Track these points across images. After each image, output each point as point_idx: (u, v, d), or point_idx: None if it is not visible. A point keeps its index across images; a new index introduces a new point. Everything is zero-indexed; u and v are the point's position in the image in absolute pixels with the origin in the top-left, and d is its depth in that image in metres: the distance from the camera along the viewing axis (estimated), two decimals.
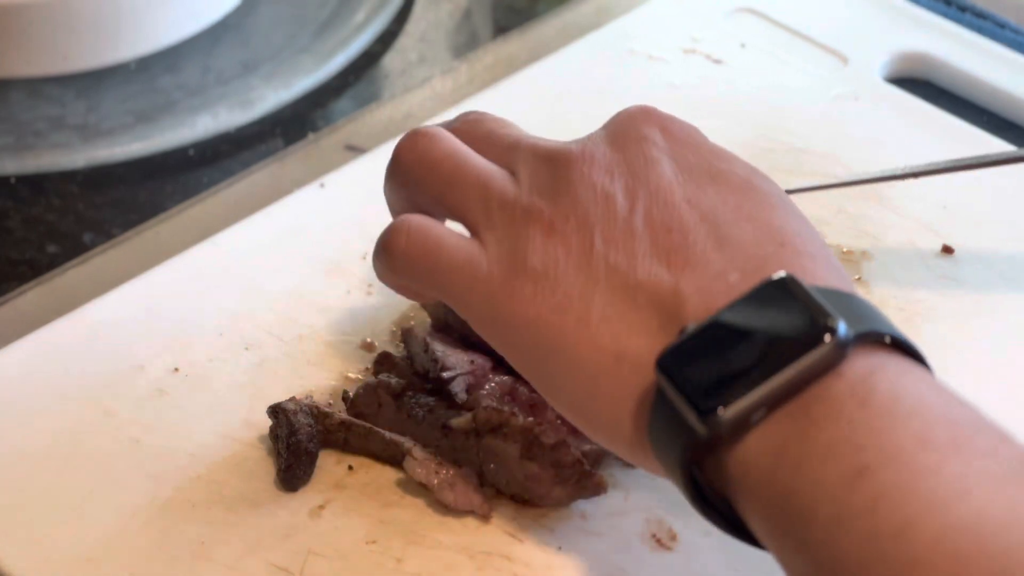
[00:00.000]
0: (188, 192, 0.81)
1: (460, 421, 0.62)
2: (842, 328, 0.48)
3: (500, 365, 0.65)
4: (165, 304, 0.70)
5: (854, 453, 0.46)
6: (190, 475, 0.63)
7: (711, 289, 0.52)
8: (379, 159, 0.78)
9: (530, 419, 0.61)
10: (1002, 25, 0.87)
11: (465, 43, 0.95)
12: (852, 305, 0.50)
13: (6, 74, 0.88)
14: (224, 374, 0.67)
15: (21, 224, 0.81)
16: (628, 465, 0.63)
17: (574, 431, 0.63)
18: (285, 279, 0.71)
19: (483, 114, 0.62)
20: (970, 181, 0.77)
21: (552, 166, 0.57)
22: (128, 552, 0.60)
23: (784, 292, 0.50)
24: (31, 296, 0.74)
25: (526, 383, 0.64)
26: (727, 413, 0.48)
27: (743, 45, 0.86)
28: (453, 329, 0.66)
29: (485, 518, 0.61)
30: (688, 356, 0.50)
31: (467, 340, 0.66)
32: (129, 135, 0.85)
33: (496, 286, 0.55)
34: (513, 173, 0.57)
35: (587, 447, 0.62)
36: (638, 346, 0.52)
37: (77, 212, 0.82)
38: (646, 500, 0.62)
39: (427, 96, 0.86)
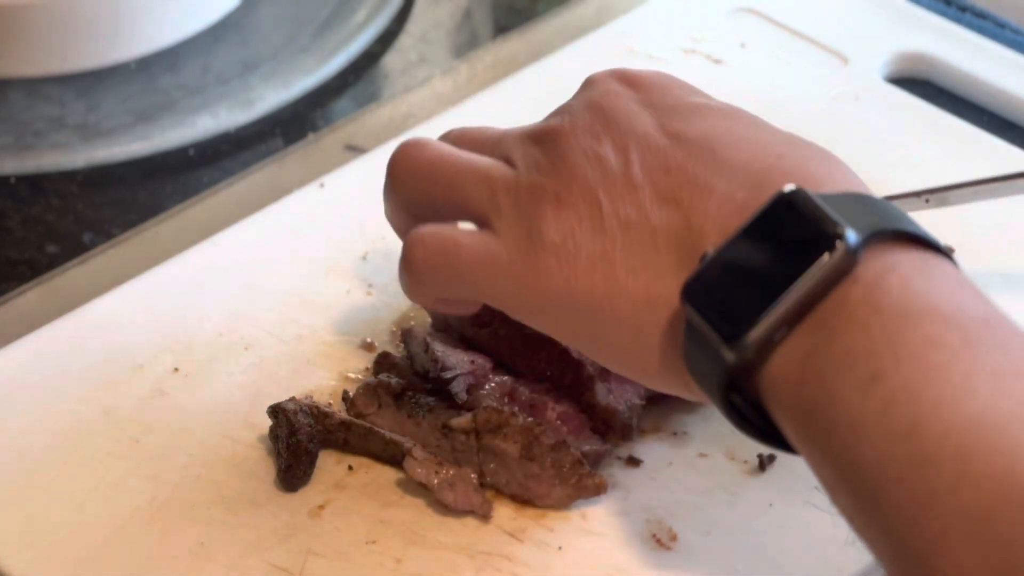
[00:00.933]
0: (188, 192, 0.81)
1: (460, 421, 0.62)
2: (850, 235, 0.49)
3: (500, 365, 0.65)
4: (165, 304, 0.70)
5: (868, 359, 0.47)
6: (190, 475, 0.63)
7: (721, 212, 0.53)
8: (379, 159, 0.77)
9: (530, 419, 0.61)
10: (1002, 25, 0.87)
11: (465, 43, 0.95)
12: (860, 206, 0.51)
13: (6, 74, 0.88)
14: (224, 374, 0.67)
15: (21, 224, 0.81)
16: (629, 464, 0.63)
17: (574, 431, 0.63)
18: (285, 279, 0.71)
19: (462, 127, 0.63)
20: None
21: (542, 144, 0.57)
22: (128, 552, 0.60)
23: (790, 206, 0.51)
24: (31, 296, 0.74)
25: (526, 383, 0.64)
26: (751, 337, 0.50)
27: (743, 45, 0.86)
28: (453, 329, 0.66)
29: (485, 518, 0.61)
30: (709, 284, 0.51)
31: (467, 340, 0.66)
32: (129, 135, 0.85)
33: (520, 269, 0.56)
34: (507, 161, 0.58)
35: (587, 447, 0.62)
36: (667, 286, 0.53)
37: (77, 212, 0.82)
38: (646, 500, 0.62)
39: (427, 96, 0.86)
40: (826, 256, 0.49)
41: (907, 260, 0.50)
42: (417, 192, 0.60)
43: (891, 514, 0.46)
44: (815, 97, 0.83)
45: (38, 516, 0.61)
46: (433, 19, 0.95)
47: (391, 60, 0.92)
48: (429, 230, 0.58)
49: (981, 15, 0.87)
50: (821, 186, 0.52)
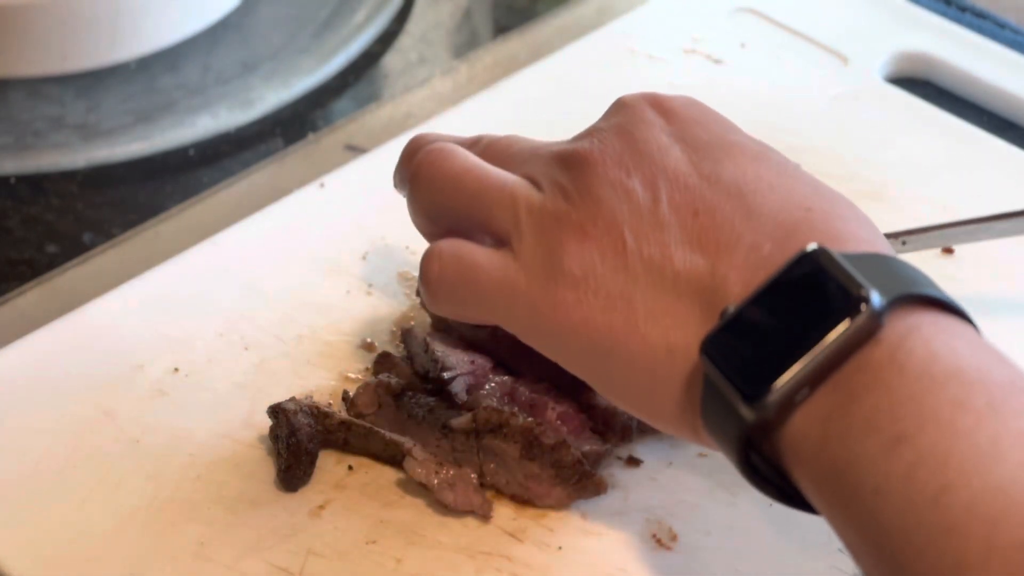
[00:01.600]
0: (188, 192, 0.81)
1: (460, 421, 0.62)
2: (875, 298, 0.48)
3: (500, 365, 0.65)
4: (165, 304, 0.70)
5: (892, 422, 0.47)
6: (190, 475, 0.63)
7: (746, 265, 0.52)
8: (379, 159, 0.78)
9: (530, 419, 0.61)
10: (1002, 25, 0.87)
11: (465, 43, 0.95)
12: (885, 268, 0.50)
13: (6, 74, 0.88)
14: (224, 374, 0.67)
15: (21, 224, 0.81)
16: (629, 464, 0.63)
17: (574, 431, 0.63)
18: (285, 279, 0.71)
19: (489, 135, 0.62)
20: (970, 181, 0.77)
21: (570, 170, 0.56)
22: (128, 552, 0.60)
23: (815, 265, 0.50)
24: (31, 296, 0.74)
25: (526, 383, 0.64)
26: (771, 397, 0.49)
27: (743, 45, 0.86)
28: (453, 329, 0.66)
29: (485, 518, 0.61)
30: (730, 340, 0.51)
31: (467, 340, 0.66)
32: (129, 135, 0.85)
33: (537, 298, 0.55)
34: (534, 182, 0.57)
35: (587, 447, 0.62)
36: (686, 337, 0.52)
37: (77, 212, 0.82)
38: (646, 500, 0.62)
39: (427, 96, 0.86)
40: (850, 318, 0.48)
41: (930, 323, 0.49)
42: (440, 201, 0.59)
43: None
44: (815, 97, 0.83)
45: (38, 516, 0.61)
46: (433, 19, 0.96)
47: (391, 60, 0.92)
48: (448, 246, 0.58)
49: (981, 15, 0.87)
50: (846, 244, 0.52)
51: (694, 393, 0.52)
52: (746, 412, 0.49)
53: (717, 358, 0.50)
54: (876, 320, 0.48)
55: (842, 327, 0.48)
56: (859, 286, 0.49)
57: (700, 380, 0.52)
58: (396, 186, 0.65)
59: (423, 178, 0.60)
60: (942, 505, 0.45)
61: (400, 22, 0.94)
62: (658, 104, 0.58)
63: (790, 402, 0.49)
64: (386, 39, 0.93)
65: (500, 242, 0.57)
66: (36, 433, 0.64)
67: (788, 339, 0.49)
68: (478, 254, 0.57)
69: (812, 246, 0.50)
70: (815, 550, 0.60)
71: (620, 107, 0.59)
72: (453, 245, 0.58)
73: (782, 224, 0.53)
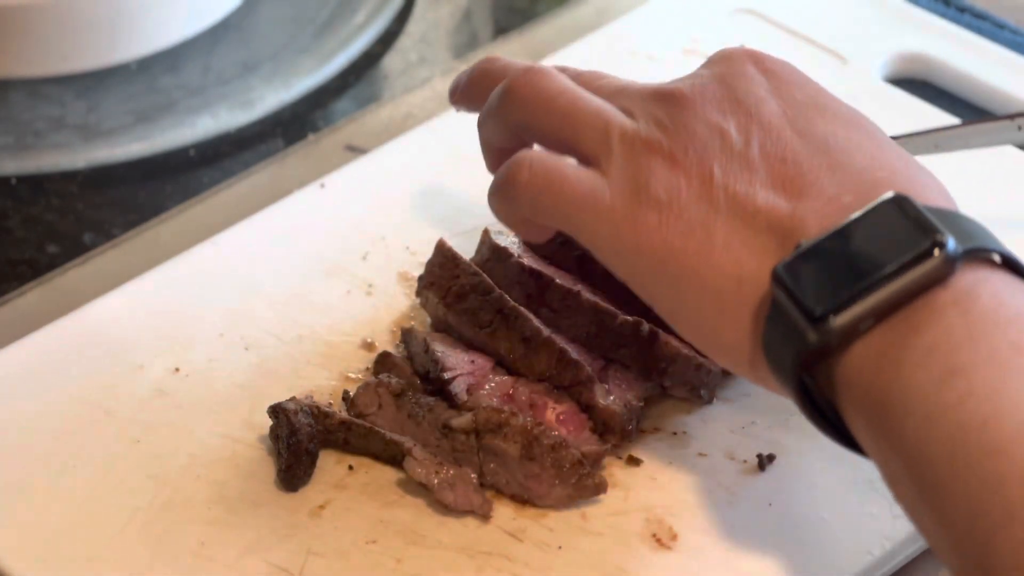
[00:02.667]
0: (188, 192, 0.81)
1: (460, 421, 0.62)
2: (951, 243, 0.51)
3: (500, 365, 0.65)
4: (165, 304, 0.70)
5: (949, 355, 0.49)
6: (190, 475, 0.63)
7: (826, 211, 0.54)
8: (379, 159, 0.78)
9: (530, 419, 0.62)
10: (1001, 26, 0.87)
11: (465, 43, 0.95)
12: (962, 224, 0.52)
13: (6, 74, 0.88)
14: (224, 374, 0.67)
15: (21, 224, 0.81)
16: (629, 464, 0.63)
17: (574, 431, 0.63)
18: (285, 279, 0.71)
19: (573, 68, 0.63)
20: (970, 181, 0.77)
21: (666, 104, 0.58)
22: (128, 552, 0.60)
23: (897, 210, 0.52)
24: (31, 296, 0.74)
25: (526, 383, 0.64)
26: (838, 321, 0.51)
27: (743, 45, 0.86)
28: (453, 329, 0.66)
29: (485, 518, 0.61)
30: (802, 269, 0.52)
31: (467, 340, 0.66)
32: (129, 135, 0.85)
33: (620, 216, 0.57)
34: (628, 112, 0.59)
35: (587, 447, 0.62)
36: (759, 267, 0.54)
37: (77, 212, 0.82)
38: (646, 500, 0.62)
39: (427, 96, 0.86)
40: (925, 260, 0.50)
41: (998, 277, 0.51)
42: (532, 118, 0.60)
43: (956, 502, 0.47)
44: None
45: (38, 516, 0.61)
46: (433, 20, 0.96)
47: (391, 61, 0.92)
48: (538, 155, 0.59)
49: (980, 16, 0.87)
50: (925, 201, 0.53)
51: (758, 322, 0.54)
52: (810, 334, 0.51)
53: (787, 282, 0.52)
54: (950, 265, 0.50)
55: (917, 267, 0.50)
56: (936, 231, 0.51)
57: (766, 309, 0.53)
58: (453, 100, 0.66)
59: (518, 94, 0.61)
60: (989, 430, 0.47)
61: (400, 23, 0.94)
62: (759, 61, 0.60)
63: (855, 330, 0.51)
64: (386, 40, 0.93)
65: (588, 163, 0.59)
66: (36, 433, 0.64)
67: (860, 272, 0.51)
68: (567, 167, 0.58)
69: (891, 193, 0.53)
70: (815, 549, 0.60)
71: (722, 58, 0.61)
72: (543, 155, 0.59)
73: (865, 181, 0.55)
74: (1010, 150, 0.78)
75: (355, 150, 0.81)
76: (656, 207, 0.56)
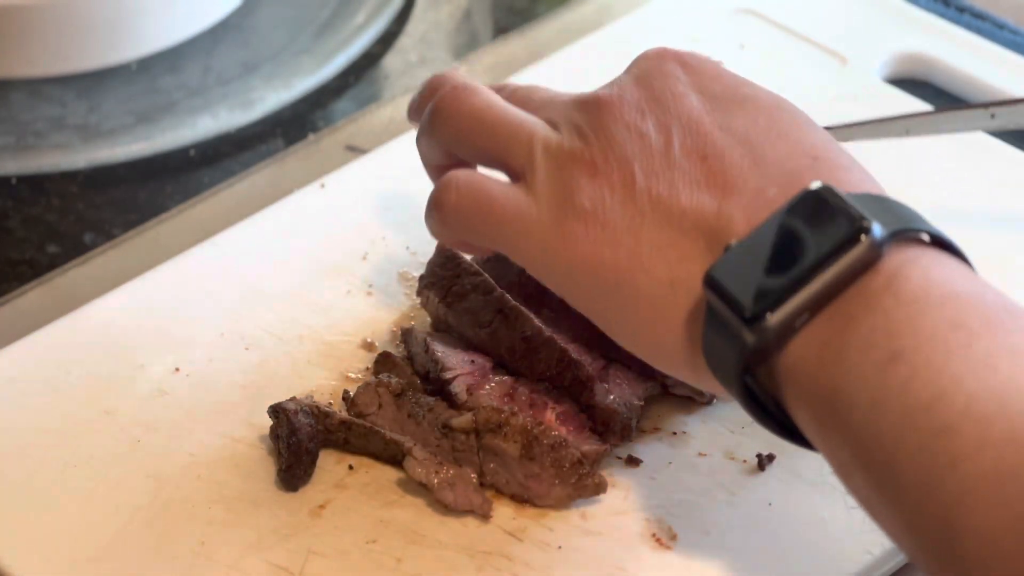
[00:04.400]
0: (189, 192, 0.81)
1: (460, 421, 0.62)
2: (876, 229, 0.51)
3: (500, 365, 0.65)
4: (165, 304, 0.70)
5: (889, 340, 0.49)
6: (190, 475, 0.63)
7: (752, 206, 0.54)
8: (379, 160, 0.78)
9: (530, 419, 0.62)
10: (1001, 26, 0.87)
11: (465, 44, 0.95)
12: (886, 207, 0.52)
13: (6, 74, 0.88)
14: (224, 374, 0.67)
15: (21, 224, 0.81)
16: (629, 464, 0.63)
17: (574, 431, 0.63)
18: (285, 279, 0.71)
19: (513, 83, 0.65)
20: (969, 181, 0.77)
21: (587, 111, 0.58)
22: (128, 552, 0.60)
23: (820, 200, 0.52)
24: (31, 296, 0.74)
25: (526, 383, 0.64)
26: (773, 319, 0.51)
27: (743, 45, 0.86)
28: (453, 329, 0.66)
29: (485, 518, 0.61)
30: (733, 270, 0.52)
31: (467, 340, 0.66)
32: (130, 135, 0.85)
33: (548, 230, 0.57)
34: (552, 124, 0.59)
35: (587, 447, 0.62)
36: (689, 270, 0.54)
37: (77, 212, 0.82)
38: (646, 500, 0.62)
39: None
40: (851, 248, 0.50)
41: (927, 256, 0.51)
42: (458, 135, 0.61)
43: (909, 485, 0.47)
44: (814, 98, 0.82)
45: (38, 516, 0.61)
46: (433, 20, 0.96)
47: (391, 61, 0.92)
48: (464, 175, 0.60)
49: (980, 15, 0.87)
50: (847, 186, 0.54)
51: (695, 327, 0.54)
52: (747, 335, 0.51)
53: (719, 286, 0.52)
54: (876, 250, 0.50)
55: (843, 256, 0.50)
56: (861, 218, 0.51)
57: (702, 313, 0.53)
58: (410, 118, 0.67)
59: (445, 111, 0.61)
60: (936, 410, 0.47)
61: (400, 23, 0.94)
62: (678, 58, 0.60)
63: (791, 326, 0.51)
64: (386, 40, 0.93)
65: (515, 177, 0.59)
66: (36, 433, 0.64)
67: (789, 267, 0.51)
68: (493, 186, 0.59)
69: (816, 184, 0.53)
70: (815, 549, 0.60)
71: (641, 59, 0.61)
72: (469, 176, 0.60)
73: (788, 171, 0.55)
74: (980, 136, 0.78)
75: (355, 150, 0.81)
76: (581, 218, 0.56)
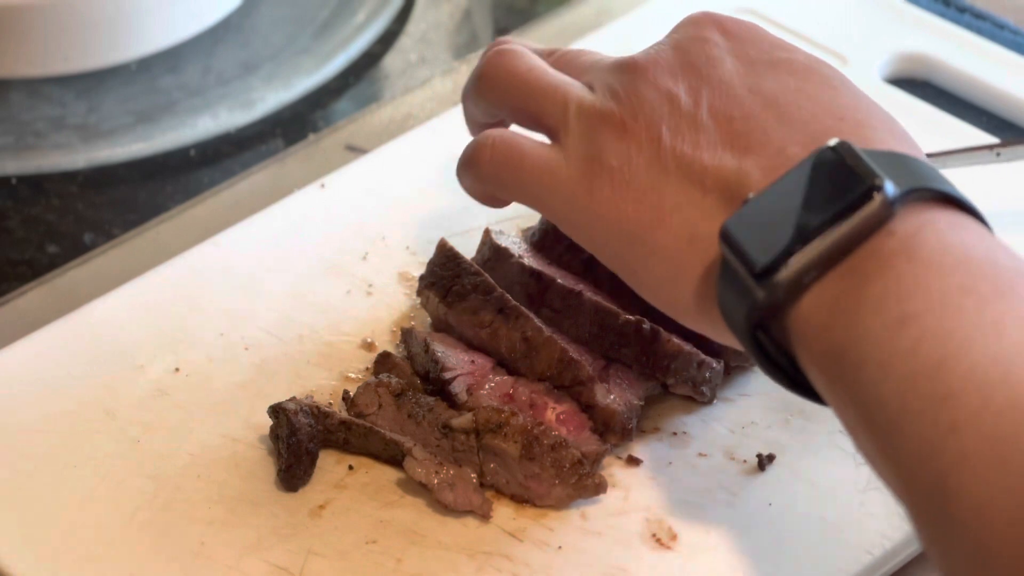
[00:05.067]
0: (189, 192, 0.81)
1: (460, 421, 0.62)
2: (889, 187, 0.51)
3: (500, 365, 0.65)
4: (165, 304, 0.70)
5: (900, 302, 0.49)
6: (190, 475, 0.63)
7: (771, 164, 0.55)
8: (379, 159, 0.78)
9: (530, 419, 0.62)
10: (1001, 26, 0.87)
11: (465, 44, 0.95)
12: (903, 164, 0.53)
13: (6, 74, 0.88)
14: (224, 374, 0.67)
15: (21, 224, 0.81)
16: (629, 464, 0.63)
17: (574, 431, 0.63)
18: (285, 279, 0.71)
19: (563, 48, 0.66)
20: (969, 182, 0.77)
21: (622, 74, 0.60)
22: (128, 552, 0.60)
23: (837, 157, 0.53)
24: (31, 296, 0.74)
25: (526, 383, 0.64)
26: (782, 275, 0.51)
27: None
28: (453, 329, 0.66)
29: (485, 518, 0.61)
30: (747, 225, 0.53)
31: (467, 340, 0.66)
32: (130, 135, 0.85)
33: (576, 186, 0.58)
34: (589, 86, 0.61)
35: (587, 447, 0.62)
36: (709, 226, 0.55)
37: (77, 212, 0.82)
38: (646, 500, 0.62)
39: (427, 97, 0.86)
40: (864, 205, 0.51)
41: (943, 217, 0.51)
42: (499, 96, 0.63)
43: (911, 448, 0.47)
44: None
45: (38, 516, 0.61)
46: (433, 20, 0.96)
47: (391, 61, 0.92)
48: (498, 134, 0.62)
49: (980, 16, 0.87)
50: (870, 145, 0.54)
51: (712, 282, 0.55)
52: (757, 291, 0.52)
53: (732, 241, 0.53)
54: (888, 209, 0.51)
55: (854, 214, 0.50)
56: (874, 175, 0.51)
57: (718, 268, 0.54)
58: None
59: (490, 73, 0.63)
60: (941, 374, 0.47)
61: (400, 23, 0.94)
62: (717, 22, 0.61)
63: (799, 282, 0.51)
64: (386, 40, 0.93)
65: (551, 137, 0.61)
66: (36, 433, 0.64)
67: (801, 223, 0.51)
68: (526, 143, 0.61)
69: (833, 141, 0.53)
70: (815, 549, 0.60)
71: (685, 23, 0.62)
72: (503, 133, 0.62)
73: (812, 131, 0.56)
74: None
75: (355, 150, 0.81)
76: (609, 176, 0.58)
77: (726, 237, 0.53)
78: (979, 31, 0.86)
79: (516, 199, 0.62)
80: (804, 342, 0.51)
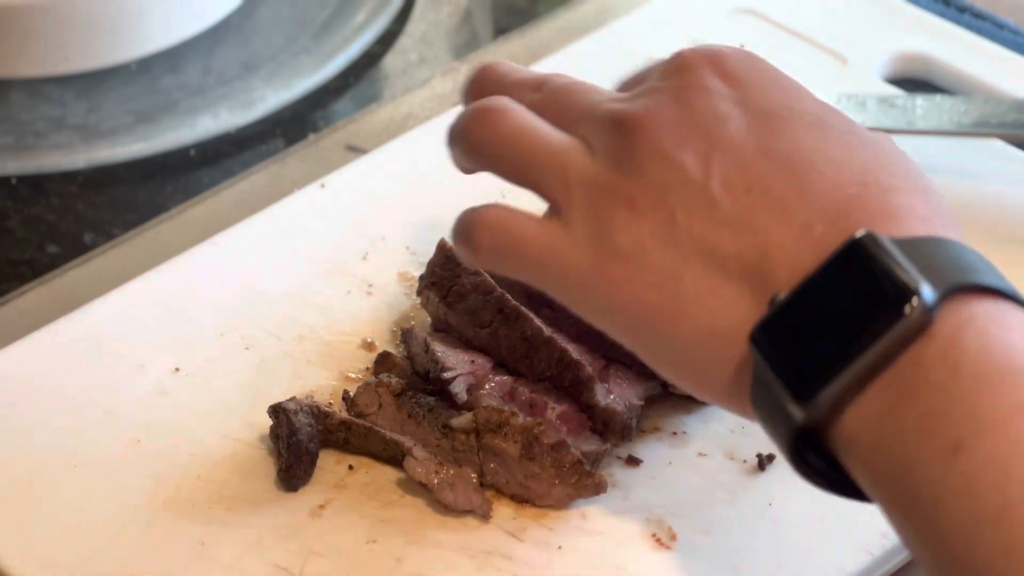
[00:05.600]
0: (189, 192, 0.81)
1: (460, 421, 0.62)
2: (926, 292, 0.47)
3: (500, 365, 0.65)
4: (165, 304, 0.70)
5: (947, 427, 0.46)
6: (190, 475, 0.63)
7: (797, 247, 0.51)
8: (379, 159, 0.78)
9: (530, 419, 0.62)
10: (1001, 26, 0.87)
11: (465, 44, 0.95)
12: (938, 253, 0.49)
13: (6, 74, 0.88)
14: (224, 374, 0.67)
15: (21, 224, 0.81)
16: (629, 464, 0.63)
17: (574, 431, 0.63)
18: (285, 279, 0.71)
19: (554, 79, 0.60)
20: (969, 181, 0.77)
21: (623, 135, 0.55)
22: (128, 552, 0.60)
23: (864, 254, 0.49)
24: (31, 296, 0.74)
25: (526, 383, 0.64)
26: (822, 396, 0.48)
27: (743, 45, 0.86)
28: (453, 329, 0.66)
29: (485, 517, 0.61)
30: (778, 333, 0.50)
31: (467, 340, 0.66)
32: (130, 135, 0.85)
33: (587, 271, 0.54)
34: (587, 143, 0.56)
35: (587, 447, 0.62)
36: (734, 319, 0.51)
37: (77, 212, 0.82)
38: (646, 500, 0.62)
39: (427, 97, 0.86)
40: (900, 315, 0.47)
41: (984, 313, 0.48)
42: (490, 162, 0.58)
43: None
44: None
45: (38, 516, 0.61)
46: (433, 20, 0.96)
47: (391, 61, 0.92)
48: (496, 216, 0.56)
49: (980, 15, 0.87)
50: (900, 223, 0.51)
51: (743, 378, 0.51)
52: (796, 411, 0.49)
53: (766, 350, 0.50)
54: (927, 315, 0.47)
55: (892, 329, 0.47)
56: (908, 279, 0.48)
57: (747, 365, 0.51)
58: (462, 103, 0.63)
59: (477, 137, 0.58)
60: (1004, 525, 0.44)
61: (400, 23, 0.94)
62: (719, 66, 0.56)
63: (841, 401, 0.48)
64: (386, 40, 0.93)
65: (551, 206, 0.56)
66: (36, 433, 0.64)
67: (838, 338, 0.48)
68: (528, 225, 0.56)
69: (860, 232, 0.49)
70: (815, 549, 0.60)
71: (680, 68, 0.57)
72: (501, 215, 0.56)
73: (835, 202, 0.52)
74: (997, 143, 0.78)
75: (355, 150, 0.81)
76: (621, 260, 0.53)
77: (758, 346, 0.50)
78: (979, 31, 0.86)
79: (522, 280, 0.57)
80: (853, 458, 0.49)
